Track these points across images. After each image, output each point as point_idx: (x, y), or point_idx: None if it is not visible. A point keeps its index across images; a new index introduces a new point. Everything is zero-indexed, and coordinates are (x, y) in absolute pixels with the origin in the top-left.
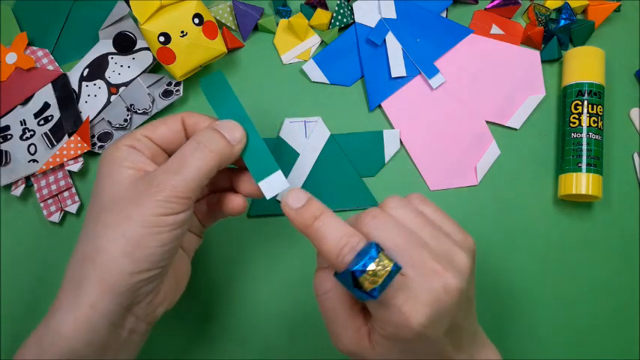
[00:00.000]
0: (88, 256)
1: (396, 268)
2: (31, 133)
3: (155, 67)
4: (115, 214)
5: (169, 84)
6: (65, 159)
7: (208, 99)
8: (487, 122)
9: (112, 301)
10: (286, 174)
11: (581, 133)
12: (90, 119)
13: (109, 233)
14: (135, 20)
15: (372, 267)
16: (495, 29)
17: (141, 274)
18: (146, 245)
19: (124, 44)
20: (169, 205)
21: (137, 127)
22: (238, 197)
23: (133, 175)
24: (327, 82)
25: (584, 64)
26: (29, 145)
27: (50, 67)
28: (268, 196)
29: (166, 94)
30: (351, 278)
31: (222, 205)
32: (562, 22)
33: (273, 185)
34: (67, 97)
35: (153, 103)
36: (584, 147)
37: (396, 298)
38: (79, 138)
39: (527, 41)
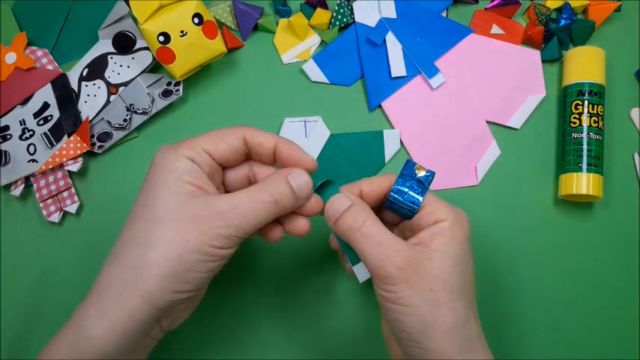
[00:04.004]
0: (135, 265)
1: (432, 172)
2: (31, 133)
3: (155, 67)
4: (171, 232)
5: (169, 84)
6: (65, 159)
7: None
8: (487, 122)
9: (150, 313)
10: None
11: (581, 133)
12: (89, 119)
13: (163, 251)
14: (134, 20)
15: (416, 166)
16: (496, 29)
17: (183, 293)
18: (195, 270)
19: (124, 44)
20: (227, 241)
21: (195, 137)
22: (302, 219)
23: (192, 193)
24: (327, 81)
25: (585, 63)
26: (29, 145)
27: (50, 67)
28: (361, 280)
29: (166, 93)
30: (410, 176)
31: (284, 225)
32: (562, 22)
33: (366, 270)
34: (67, 97)
35: (152, 102)
36: (585, 147)
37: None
38: (78, 138)
39: (528, 41)
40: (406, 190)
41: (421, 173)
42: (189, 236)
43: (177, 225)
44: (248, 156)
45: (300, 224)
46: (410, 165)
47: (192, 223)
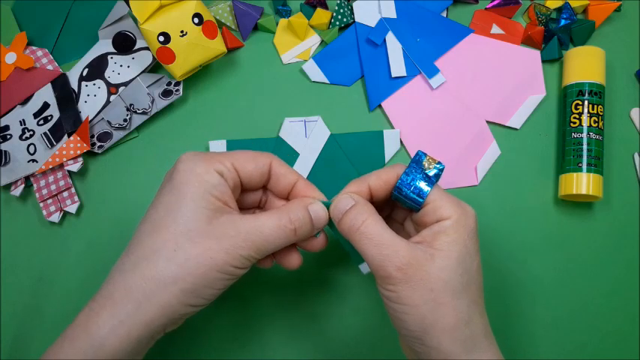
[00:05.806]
0: (159, 278)
1: (442, 165)
2: (31, 133)
3: (155, 67)
4: (198, 248)
5: (169, 84)
6: (65, 159)
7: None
8: (487, 122)
9: (165, 323)
10: None
11: (581, 133)
12: (89, 119)
13: (189, 267)
14: (134, 20)
15: (427, 158)
16: (496, 29)
17: (197, 307)
18: (213, 287)
19: (124, 44)
20: (246, 261)
21: (225, 152)
22: (295, 255)
23: (218, 209)
24: (327, 81)
25: (585, 63)
26: (29, 145)
27: (50, 67)
28: (364, 271)
29: (166, 93)
30: (417, 165)
31: (276, 257)
32: (562, 22)
33: None
34: (67, 97)
35: (152, 102)
36: (585, 147)
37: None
38: (78, 138)
39: (528, 41)
40: (411, 183)
41: (430, 166)
42: (216, 255)
43: (204, 242)
44: (265, 183)
45: (293, 259)
46: (420, 156)
47: (219, 242)
